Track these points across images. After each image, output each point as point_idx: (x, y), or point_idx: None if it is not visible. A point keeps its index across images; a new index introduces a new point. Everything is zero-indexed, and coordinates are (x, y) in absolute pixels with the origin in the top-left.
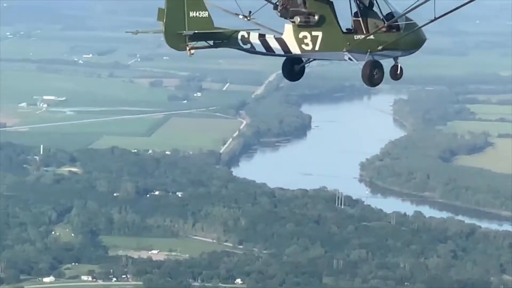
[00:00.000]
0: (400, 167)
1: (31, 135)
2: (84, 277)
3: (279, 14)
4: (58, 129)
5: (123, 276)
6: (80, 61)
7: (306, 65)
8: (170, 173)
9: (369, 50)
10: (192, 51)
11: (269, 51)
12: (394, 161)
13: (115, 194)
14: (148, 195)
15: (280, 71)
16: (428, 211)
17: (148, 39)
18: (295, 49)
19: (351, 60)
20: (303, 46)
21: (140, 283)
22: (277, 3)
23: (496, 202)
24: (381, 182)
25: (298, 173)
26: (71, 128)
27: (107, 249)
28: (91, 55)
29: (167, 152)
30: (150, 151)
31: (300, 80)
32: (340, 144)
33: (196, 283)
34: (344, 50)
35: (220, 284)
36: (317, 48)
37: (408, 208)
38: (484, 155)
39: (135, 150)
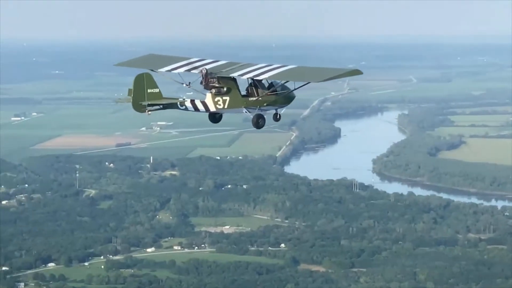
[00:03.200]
0: (400, 161)
1: (147, 150)
2: (175, 247)
3: (203, 87)
4: (166, 145)
5: (202, 245)
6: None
7: (222, 115)
8: (240, 172)
9: (258, 106)
10: (150, 112)
11: (197, 110)
12: (396, 157)
13: (200, 188)
14: (223, 188)
15: (321, 98)
16: (418, 191)
17: None
18: (212, 108)
19: (247, 112)
20: (217, 106)
21: (214, 249)
22: (202, 81)
23: (466, 182)
24: (387, 172)
25: (329, 168)
26: (175, 143)
27: (194, 227)
28: (192, 92)
29: (239, 157)
30: (228, 157)
31: (220, 122)
32: (360, 147)
33: (253, 248)
34: (243, 107)
35: (269, 248)
36: (226, 107)
37: (404, 189)
38: (459, 150)
39: (218, 157)
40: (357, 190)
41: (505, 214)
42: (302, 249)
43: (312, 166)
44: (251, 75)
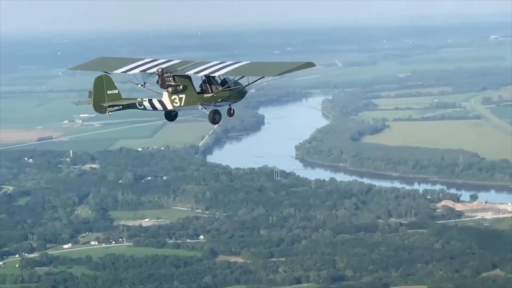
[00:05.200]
0: (323, 147)
1: (68, 143)
2: (92, 242)
3: (159, 86)
4: (88, 137)
5: (120, 239)
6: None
7: (178, 112)
8: (161, 163)
9: (213, 102)
10: (110, 113)
11: (155, 109)
12: (319, 143)
13: (120, 181)
14: (143, 180)
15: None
16: (341, 177)
17: None
18: (169, 106)
19: (203, 109)
20: (174, 104)
21: (131, 243)
22: (158, 80)
23: (388, 166)
24: (309, 159)
25: (252, 156)
26: (97, 135)
27: (113, 221)
28: (116, 83)
29: (162, 148)
30: (149, 148)
31: (176, 119)
32: (283, 133)
33: (171, 241)
34: (198, 104)
35: (187, 240)
36: (182, 104)
37: (327, 175)
38: (382, 134)
39: (140, 149)
40: (278, 178)
41: (427, 197)
42: (221, 240)
43: (234, 155)
44: (206, 72)
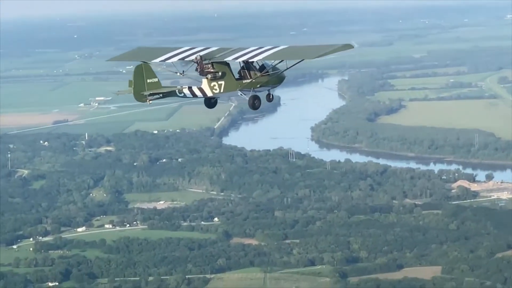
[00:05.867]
0: (338, 128)
1: (84, 126)
2: (107, 226)
3: (198, 74)
4: (103, 120)
5: (134, 222)
6: (123, 71)
7: (217, 99)
8: (176, 145)
9: (252, 88)
10: (150, 101)
11: (195, 96)
12: (335, 124)
13: (135, 164)
14: (158, 163)
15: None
16: (356, 158)
17: None
18: (209, 93)
19: (242, 95)
20: (214, 90)
21: (146, 226)
22: (197, 68)
23: (404, 147)
24: (325, 140)
25: (268, 138)
26: (113, 118)
27: (128, 204)
28: (132, 66)
29: (177, 131)
30: (165, 131)
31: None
32: (299, 115)
33: (185, 223)
34: (237, 89)
35: (202, 222)
36: (222, 90)
37: (342, 156)
38: (398, 114)
39: (155, 131)
40: (294, 160)
41: (442, 178)
42: (235, 223)
43: (250, 137)
44: (244, 58)
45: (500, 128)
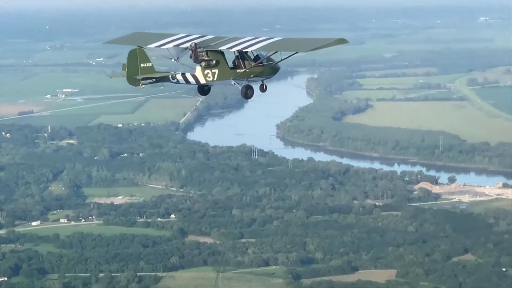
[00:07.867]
0: (304, 126)
1: (48, 118)
2: (62, 220)
3: (193, 61)
4: (69, 113)
5: (89, 217)
6: (93, 63)
7: (211, 87)
8: (139, 140)
9: (245, 78)
10: (143, 86)
11: (188, 82)
12: (300, 122)
13: (95, 158)
14: (119, 157)
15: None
16: (320, 156)
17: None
18: (202, 80)
19: (235, 84)
20: (207, 78)
21: (101, 222)
22: (191, 55)
23: (368, 147)
24: (290, 137)
25: (233, 134)
26: (78, 110)
27: (86, 198)
28: (102, 58)
29: (142, 124)
30: (129, 125)
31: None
32: (266, 112)
33: (141, 219)
34: (231, 79)
35: (158, 219)
36: (215, 79)
37: (306, 155)
38: (365, 114)
39: (120, 125)
40: (256, 157)
41: (405, 179)
42: (192, 220)
43: (215, 133)
44: (239, 47)
45: (465, 130)
